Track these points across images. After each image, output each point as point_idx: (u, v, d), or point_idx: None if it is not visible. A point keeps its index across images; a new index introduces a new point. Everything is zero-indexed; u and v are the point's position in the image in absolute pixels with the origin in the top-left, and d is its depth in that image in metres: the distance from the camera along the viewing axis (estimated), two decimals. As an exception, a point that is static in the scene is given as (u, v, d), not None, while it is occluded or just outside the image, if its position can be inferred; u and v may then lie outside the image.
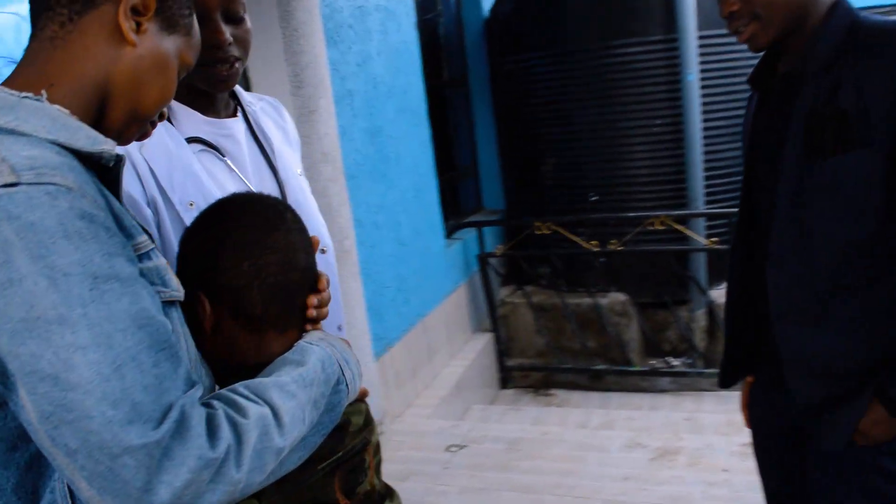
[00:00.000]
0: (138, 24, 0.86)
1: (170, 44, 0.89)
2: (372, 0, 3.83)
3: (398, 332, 3.96)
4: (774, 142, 1.38)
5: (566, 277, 5.00)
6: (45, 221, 0.69)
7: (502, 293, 5.40)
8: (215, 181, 1.31)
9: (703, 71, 4.46)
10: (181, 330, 0.87)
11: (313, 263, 1.06)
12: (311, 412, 0.88)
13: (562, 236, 4.72)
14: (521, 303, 5.14)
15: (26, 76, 0.82)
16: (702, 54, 4.43)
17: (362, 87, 3.71)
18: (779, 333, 1.39)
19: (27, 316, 0.68)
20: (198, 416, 0.73)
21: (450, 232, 5.04)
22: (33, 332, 0.68)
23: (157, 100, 0.89)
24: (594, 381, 4.78)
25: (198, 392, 0.77)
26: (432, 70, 5.24)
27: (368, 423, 1.07)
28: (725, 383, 1.65)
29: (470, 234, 5.06)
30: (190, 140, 1.30)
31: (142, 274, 0.79)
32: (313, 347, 0.96)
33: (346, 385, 0.97)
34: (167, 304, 0.84)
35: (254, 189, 1.36)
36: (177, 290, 0.86)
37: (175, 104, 1.32)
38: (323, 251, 1.46)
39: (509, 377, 4.99)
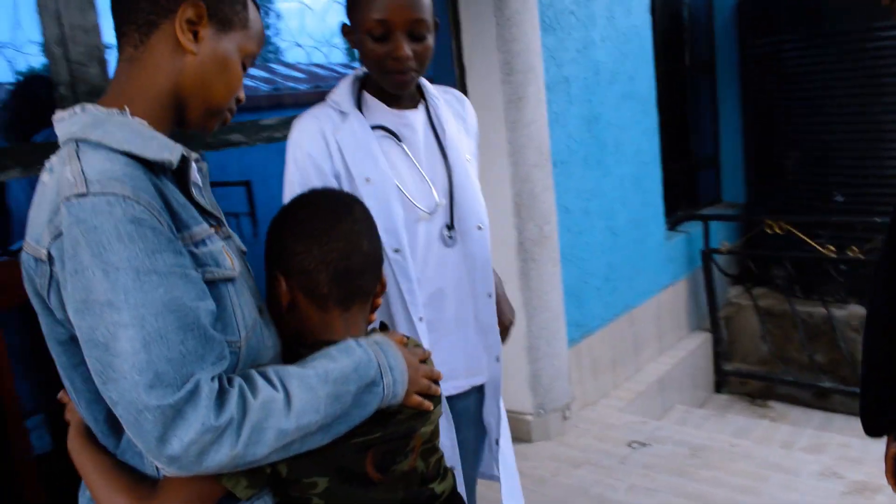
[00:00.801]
0: (195, 34, 1.01)
1: (228, 43, 1.04)
2: (599, -15, 3.80)
3: (600, 320, 3.94)
4: None
5: (800, 283, 4.62)
6: (104, 225, 0.88)
7: (730, 293, 5.12)
8: (389, 161, 1.57)
9: None
10: (236, 301, 1.02)
11: (376, 249, 1.18)
12: (331, 405, 0.98)
13: (798, 238, 4.36)
14: (747, 305, 4.85)
15: (114, 94, 1.02)
16: None
17: (581, 73, 3.71)
18: None
19: (86, 298, 0.88)
20: (209, 389, 0.88)
21: (673, 224, 4.87)
22: (91, 310, 0.88)
23: (225, 94, 1.06)
24: (818, 399, 4.39)
25: (219, 367, 0.92)
26: (672, 55, 5.07)
27: (422, 415, 1.13)
28: (874, 430, 1.47)
29: (697, 228, 4.85)
30: (374, 127, 1.57)
31: (196, 258, 0.97)
32: (356, 349, 1.06)
33: (384, 388, 1.06)
34: (221, 281, 1.00)
35: (423, 168, 1.61)
36: (230, 269, 1.02)
37: (368, 98, 1.61)
38: (479, 228, 1.66)
39: (725, 382, 4.74)
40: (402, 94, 1.60)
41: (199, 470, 0.89)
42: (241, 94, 1.11)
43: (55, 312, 0.96)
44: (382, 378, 1.06)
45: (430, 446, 1.17)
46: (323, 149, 1.52)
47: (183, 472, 0.89)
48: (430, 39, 1.53)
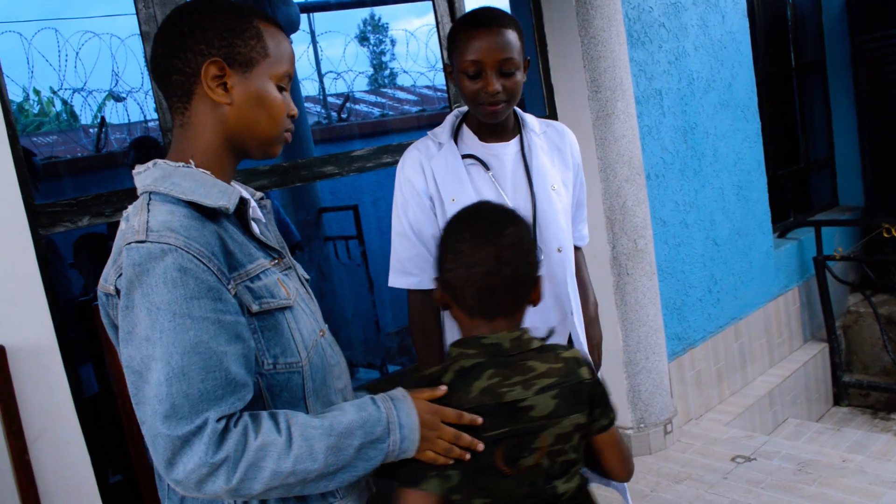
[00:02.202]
0: (224, 85, 1.14)
1: (255, 80, 1.16)
2: (690, -5, 3.77)
3: (703, 333, 3.88)
4: None
5: (924, 289, 4.37)
6: (154, 270, 1.01)
7: (848, 301, 4.90)
8: (475, 186, 1.77)
9: None
10: (294, 326, 1.15)
11: (521, 272, 1.26)
12: (331, 455, 1.07)
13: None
14: (866, 313, 4.62)
15: (176, 153, 1.17)
16: None
17: (674, 84, 3.69)
18: None
19: (132, 330, 1.02)
20: (212, 429, 1.00)
21: (783, 232, 4.72)
22: (133, 341, 1.02)
23: (272, 125, 1.18)
24: (948, 412, 4.14)
25: (232, 407, 1.02)
26: (777, 56, 4.93)
27: (553, 416, 1.20)
28: None
29: (809, 234, 4.68)
30: (465, 156, 1.80)
31: (252, 291, 1.10)
32: (369, 406, 1.13)
33: (389, 445, 1.12)
34: (278, 309, 1.13)
35: (507, 193, 1.79)
36: (285, 298, 1.15)
37: (465, 131, 1.84)
38: (559, 251, 1.82)
39: (844, 394, 4.54)
40: (496, 125, 1.79)
41: (198, 494, 1.01)
42: (293, 110, 1.22)
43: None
44: (389, 435, 1.12)
45: (559, 448, 1.22)
46: (420, 175, 1.78)
47: (186, 494, 1.02)
48: (520, 76, 1.71)
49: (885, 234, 4.25)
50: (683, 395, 3.74)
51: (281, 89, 1.20)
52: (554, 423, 1.20)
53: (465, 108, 1.86)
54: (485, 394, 1.19)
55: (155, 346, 1.00)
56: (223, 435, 1.01)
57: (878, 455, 3.42)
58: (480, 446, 1.17)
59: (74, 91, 4.90)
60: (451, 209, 1.66)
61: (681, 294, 3.76)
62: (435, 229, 1.76)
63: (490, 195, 1.75)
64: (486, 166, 1.78)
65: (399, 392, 1.19)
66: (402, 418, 1.14)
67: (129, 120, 5.37)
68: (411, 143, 1.87)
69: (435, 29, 2.96)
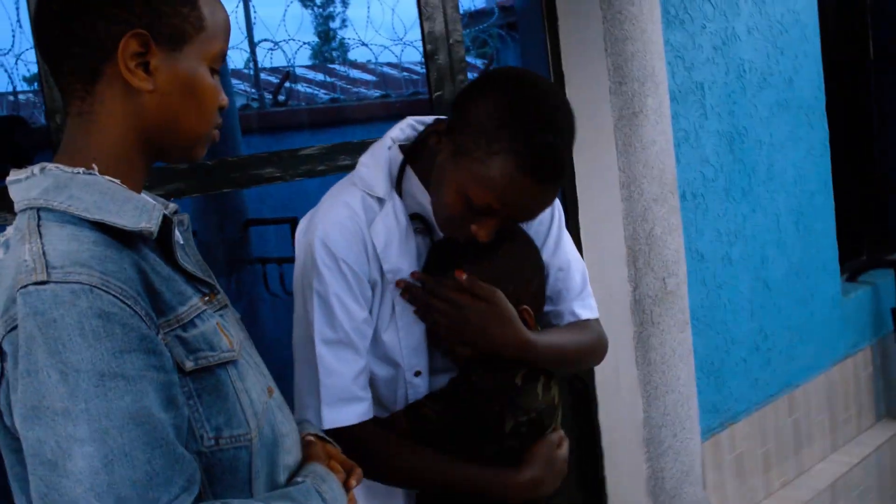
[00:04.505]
0: (146, 65, 1.11)
1: (186, 60, 1.14)
2: (744, -38, 3.84)
3: (747, 404, 3.92)
4: None
5: None
6: (65, 319, 0.97)
7: (936, 366, 4.98)
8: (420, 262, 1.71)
9: None
10: (240, 386, 1.14)
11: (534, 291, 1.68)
12: None
13: None
14: (958, 383, 4.70)
15: (72, 154, 1.13)
16: None
17: (720, 77, 3.75)
18: None
19: (38, 405, 0.97)
20: None
21: (854, 273, 4.80)
22: (41, 420, 0.97)
23: (201, 118, 1.18)
24: None
25: (190, 497, 1.01)
26: (851, 46, 5.03)
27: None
28: None
29: (888, 279, 4.76)
30: (412, 216, 1.65)
31: (186, 343, 1.08)
32: (316, 497, 1.20)
33: None
34: (218, 365, 1.12)
35: None
36: (228, 350, 1.14)
37: (409, 174, 1.67)
38: None
39: (930, 488, 4.61)
40: None
41: None
42: (224, 100, 1.22)
43: (4, 416, 1.06)
44: None
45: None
46: (361, 252, 1.58)
47: None
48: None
49: None
50: (720, 484, 3.76)
51: (213, 72, 1.19)
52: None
53: (409, 131, 1.72)
54: (545, 395, 1.61)
55: (78, 423, 0.96)
56: None
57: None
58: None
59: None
60: (401, 303, 1.60)
61: (720, 352, 3.79)
62: (371, 331, 1.63)
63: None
64: (432, 233, 1.67)
65: (322, 470, 1.28)
66: (338, 500, 1.25)
67: (-8, 90, 5.33)
68: (372, 143, 1.72)
69: (411, -9, 2.99)
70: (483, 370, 1.58)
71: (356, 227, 1.57)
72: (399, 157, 1.66)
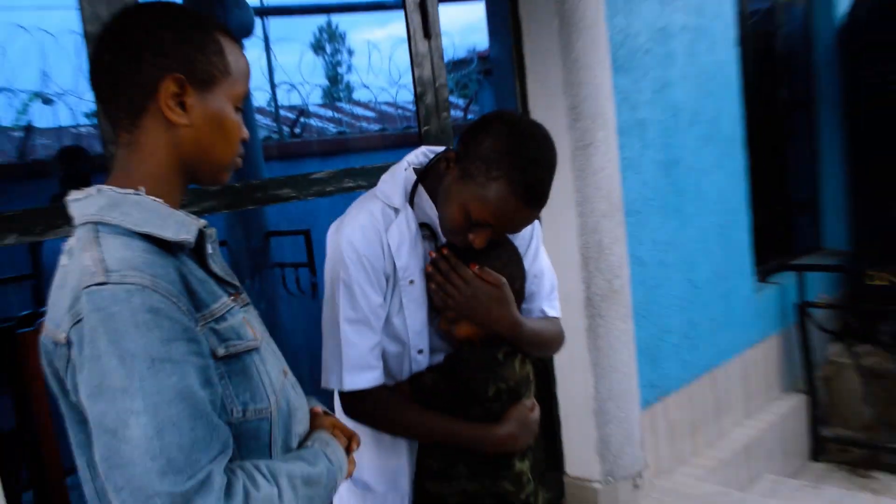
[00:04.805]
0: (182, 104, 1.11)
1: (215, 100, 1.14)
2: (678, 20, 3.83)
3: (678, 381, 3.91)
4: None
5: (909, 341, 4.48)
6: (122, 313, 0.97)
7: (830, 351, 4.99)
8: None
9: None
10: (262, 368, 1.14)
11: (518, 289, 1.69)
12: None
13: (906, 291, 4.25)
14: (848, 364, 4.71)
15: (122, 178, 1.12)
16: None
17: (658, 115, 3.74)
18: None
19: (101, 383, 0.96)
20: (220, 481, 0.97)
21: (765, 275, 4.80)
22: (103, 396, 0.96)
23: (228, 149, 1.17)
24: (931, 472, 4.22)
25: (226, 456, 1.01)
26: (766, 90, 5.04)
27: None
28: None
29: (792, 279, 4.76)
30: (421, 225, 1.68)
31: (218, 334, 1.08)
32: (323, 458, 1.21)
33: (336, 486, 1.23)
34: (245, 352, 1.12)
35: None
36: (252, 339, 1.14)
37: (421, 191, 1.69)
38: None
39: (823, 449, 4.61)
40: None
41: None
42: (246, 134, 1.21)
43: (70, 395, 1.06)
44: (338, 481, 1.22)
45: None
46: (378, 250, 1.62)
47: None
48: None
49: (870, 283, 4.35)
50: (655, 446, 3.75)
51: (237, 110, 1.19)
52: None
53: (422, 157, 1.74)
54: (521, 369, 1.65)
55: (135, 398, 0.95)
56: (230, 488, 0.99)
57: (859, 518, 3.47)
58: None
59: (-1, 90, 4.78)
60: (407, 293, 1.63)
61: (656, 339, 3.78)
62: (385, 314, 1.65)
63: None
64: (437, 239, 1.69)
65: (326, 436, 1.28)
66: (341, 463, 1.25)
67: (58, 124, 5.26)
68: (379, 169, 1.78)
69: (404, 42, 2.96)
70: (472, 348, 1.63)
71: (376, 230, 1.61)
72: (413, 177, 1.70)
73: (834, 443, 4.61)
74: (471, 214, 1.51)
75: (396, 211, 1.64)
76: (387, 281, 1.64)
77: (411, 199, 1.67)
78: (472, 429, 1.61)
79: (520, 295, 1.69)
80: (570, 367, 3.47)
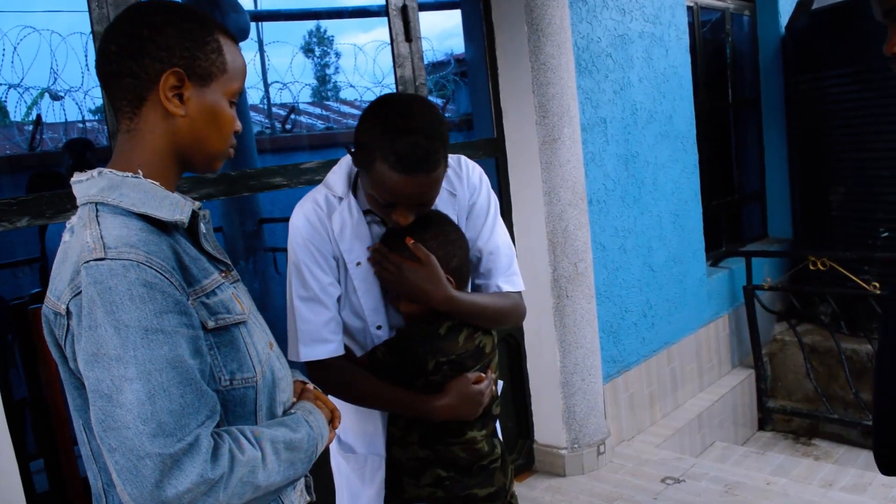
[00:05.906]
0: (180, 97, 1.11)
1: (211, 94, 1.14)
2: (636, 28, 3.89)
3: (637, 356, 3.98)
4: None
5: (845, 319, 4.58)
6: (118, 287, 0.98)
7: (775, 329, 5.09)
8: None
9: None
10: (249, 340, 1.15)
11: (457, 265, 1.65)
12: (287, 469, 1.12)
13: (843, 274, 4.34)
14: (791, 341, 4.81)
15: (122, 161, 1.13)
16: None
17: (618, 113, 3.80)
18: None
19: (97, 352, 0.98)
20: (207, 444, 0.99)
21: (716, 260, 4.89)
22: (99, 363, 0.98)
23: (221, 140, 1.17)
24: (865, 438, 4.32)
25: (214, 421, 1.03)
26: (716, 92, 5.12)
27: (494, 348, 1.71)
28: (890, 469, 1.46)
29: (740, 264, 4.85)
30: (366, 212, 1.64)
31: (209, 307, 1.09)
32: (304, 425, 1.20)
33: (315, 453, 1.21)
34: (233, 324, 1.13)
35: None
36: (240, 313, 1.15)
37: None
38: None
39: (768, 419, 4.71)
40: None
41: None
42: (239, 126, 1.21)
43: (69, 361, 1.07)
44: (318, 449, 1.22)
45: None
46: (322, 235, 1.61)
47: None
48: (436, 197, 1.58)
49: (811, 267, 4.44)
50: (617, 416, 3.82)
51: (231, 105, 1.19)
52: (494, 354, 1.69)
53: None
54: (465, 343, 1.61)
55: (129, 366, 0.97)
56: (216, 451, 1.00)
57: (800, 478, 3.56)
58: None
59: (10, 87, 4.76)
60: (356, 274, 1.62)
61: (617, 318, 3.85)
62: (339, 292, 1.65)
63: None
64: (384, 222, 1.66)
65: (309, 406, 1.27)
66: (322, 430, 1.24)
67: (65, 119, 5.24)
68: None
69: (387, 45, 2.99)
70: (415, 323, 1.63)
71: (319, 218, 1.61)
72: (354, 168, 1.69)
73: (778, 413, 4.71)
74: (377, 198, 1.51)
75: (340, 199, 1.62)
76: (337, 263, 1.64)
77: (354, 187, 1.66)
78: (416, 399, 1.61)
79: (458, 272, 1.64)
80: (538, 344, 3.53)
